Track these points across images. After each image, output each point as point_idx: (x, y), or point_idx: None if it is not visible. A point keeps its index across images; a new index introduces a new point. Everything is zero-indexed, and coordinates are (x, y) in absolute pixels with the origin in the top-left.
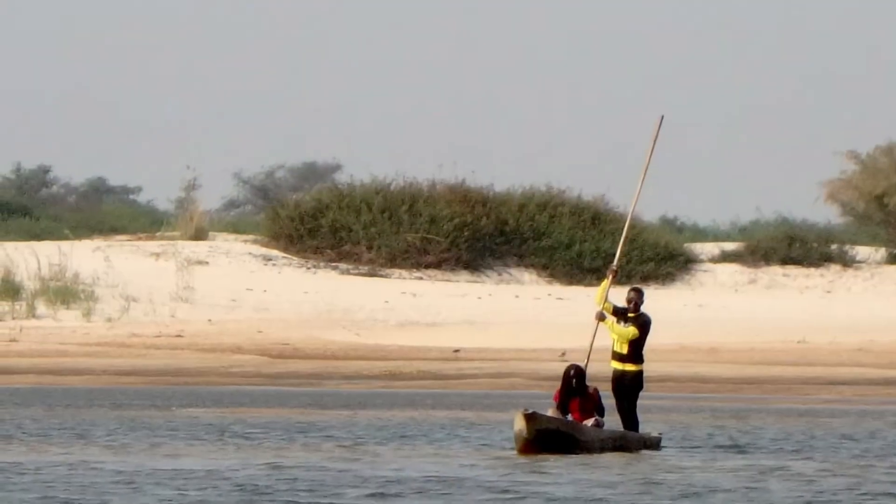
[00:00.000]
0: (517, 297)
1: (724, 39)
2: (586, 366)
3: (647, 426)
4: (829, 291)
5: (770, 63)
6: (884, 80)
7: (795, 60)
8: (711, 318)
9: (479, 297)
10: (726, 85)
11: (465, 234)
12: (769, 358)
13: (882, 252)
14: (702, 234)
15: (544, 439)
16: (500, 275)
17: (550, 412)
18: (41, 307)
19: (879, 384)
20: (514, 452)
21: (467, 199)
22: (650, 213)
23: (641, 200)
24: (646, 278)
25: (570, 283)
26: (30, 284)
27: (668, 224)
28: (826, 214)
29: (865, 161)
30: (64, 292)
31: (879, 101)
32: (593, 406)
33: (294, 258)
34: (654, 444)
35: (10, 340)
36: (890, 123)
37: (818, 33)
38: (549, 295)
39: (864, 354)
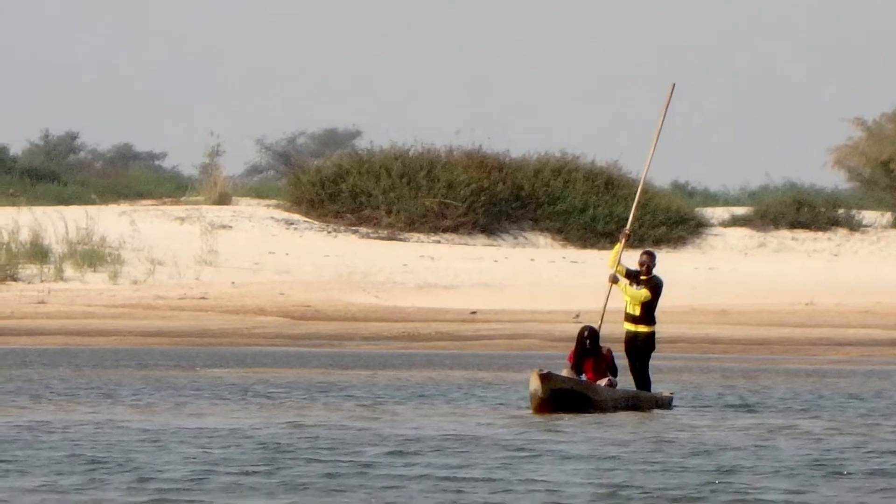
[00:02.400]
0: (532, 260)
1: (734, 8)
2: (600, 327)
3: (659, 386)
4: (836, 255)
5: (779, 31)
6: (891, 48)
7: (804, 29)
8: (722, 280)
9: (496, 261)
10: (737, 53)
11: (482, 198)
12: (778, 319)
13: (888, 216)
14: (712, 199)
15: (559, 399)
16: (515, 238)
17: (565, 372)
18: (69, 270)
19: (886, 345)
20: (530, 411)
21: (484, 164)
22: (662, 179)
23: (653, 166)
24: (658, 242)
25: (584, 246)
26: (58, 248)
27: (680, 189)
28: (833, 180)
29: (872, 128)
30: (91, 256)
31: (886, 69)
32: (606, 366)
33: (315, 222)
34: (665, 403)
35: (39, 302)
36: (892, 91)
37: (826, 2)
38: (564, 258)
39: (871, 316)
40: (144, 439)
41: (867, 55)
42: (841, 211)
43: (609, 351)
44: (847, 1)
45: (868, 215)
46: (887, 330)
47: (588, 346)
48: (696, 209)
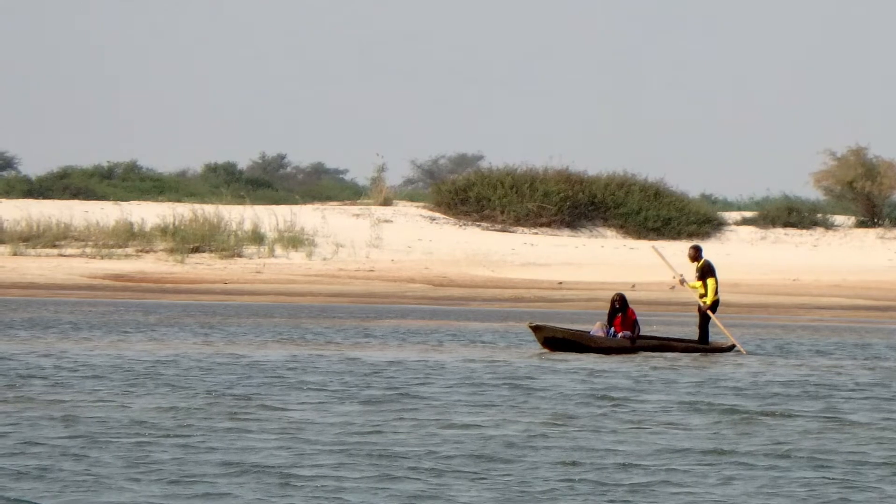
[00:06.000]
0: (602, 247)
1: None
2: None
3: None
4: (815, 246)
5: (783, 86)
6: (857, 99)
7: (802, 82)
8: (735, 263)
9: (577, 247)
10: (759, 99)
11: (567, 203)
12: (773, 290)
13: (852, 220)
14: (729, 205)
15: (554, 343)
16: (591, 232)
17: (598, 325)
18: (278, 249)
19: (848, 309)
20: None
21: (569, 179)
22: (694, 191)
23: (688, 181)
24: (691, 235)
25: (639, 238)
26: (270, 234)
27: (706, 198)
28: (814, 194)
29: (840, 158)
30: (293, 240)
31: (854, 112)
32: (630, 323)
33: (451, 219)
34: (726, 349)
35: (257, 272)
36: (856, 131)
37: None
38: (625, 246)
39: (838, 289)
40: (338, 367)
41: (845, 102)
42: (819, 215)
43: (633, 312)
44: (834, 58)
45: (838, 219)
46: (850, 299)
47: (617, 307)
48: (718, 212)
